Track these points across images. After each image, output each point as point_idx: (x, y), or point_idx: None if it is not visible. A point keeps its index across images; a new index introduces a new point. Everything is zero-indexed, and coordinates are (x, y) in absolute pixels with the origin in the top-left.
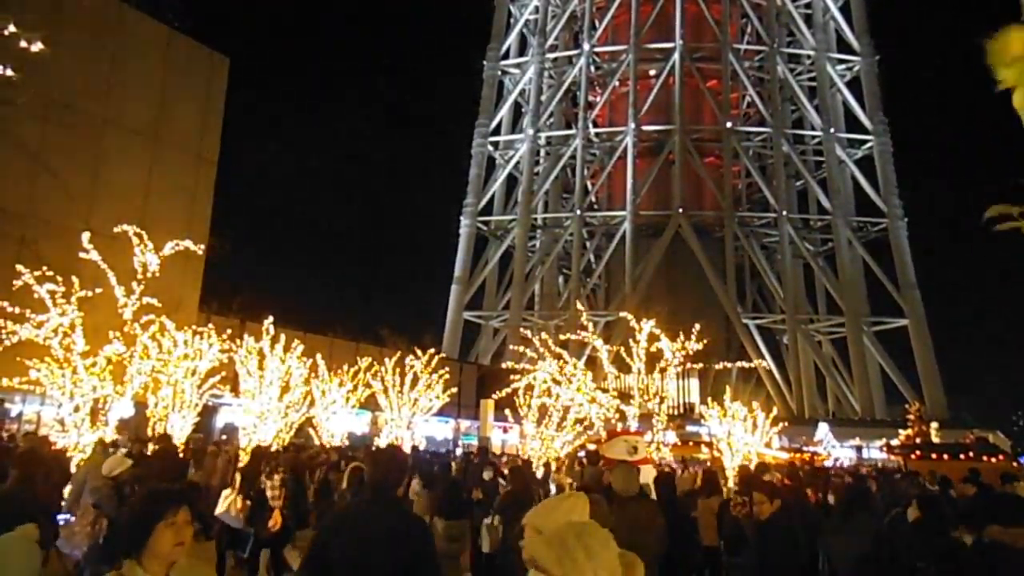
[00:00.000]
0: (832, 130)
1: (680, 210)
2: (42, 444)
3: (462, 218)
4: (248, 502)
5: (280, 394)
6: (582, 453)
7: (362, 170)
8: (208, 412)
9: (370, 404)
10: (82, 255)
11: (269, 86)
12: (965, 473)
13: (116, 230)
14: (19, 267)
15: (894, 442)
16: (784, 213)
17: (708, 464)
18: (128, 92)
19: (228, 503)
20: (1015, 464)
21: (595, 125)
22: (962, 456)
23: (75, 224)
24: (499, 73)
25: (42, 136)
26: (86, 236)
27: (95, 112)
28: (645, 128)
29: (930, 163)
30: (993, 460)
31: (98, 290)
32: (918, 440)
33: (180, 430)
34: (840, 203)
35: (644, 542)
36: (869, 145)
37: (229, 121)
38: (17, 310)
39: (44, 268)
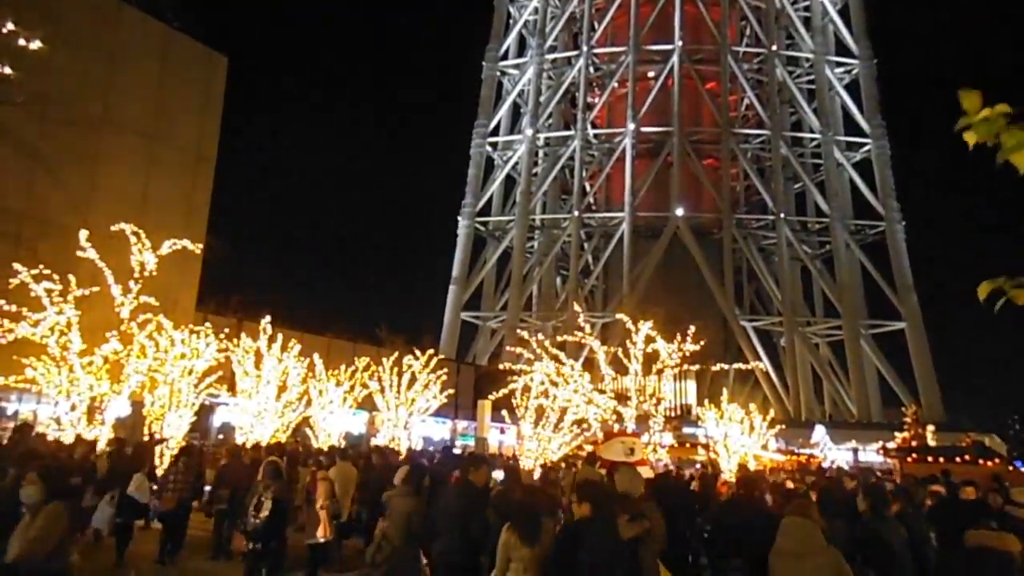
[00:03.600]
0: (831, 133)
1: (678, 212)
2: (39, 441)
3: (460, 218)
4: (152, 484)
5: (277, 394)
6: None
7: (360, 170)
8: (205, 411)
9: (367, 404)
10: (79, 254)
11: (267, 86)
12: (937, 474)
13: (113, 229)
14: (16, 266)
15: (890, 445)
16: (782, 215)
17: (705, 466)
18: (126, 91)
19: (137, 484)
20: (1011, 468)
21: (594, 126)
22: (958, 459)
23: (72, 223)
24: (498, 73)
25: (40, 134)
26: (84, 235)
27: (92, 111)
28: (644, 130)
29: (928, 167)
30: (989, 463)
31: (95, 289)
32: (914, 443)
33: (177, 429)
34: (838, 206)
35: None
36: (867, 148)
37: (228, 120)
38: (14, 308)
39: (41, 267)
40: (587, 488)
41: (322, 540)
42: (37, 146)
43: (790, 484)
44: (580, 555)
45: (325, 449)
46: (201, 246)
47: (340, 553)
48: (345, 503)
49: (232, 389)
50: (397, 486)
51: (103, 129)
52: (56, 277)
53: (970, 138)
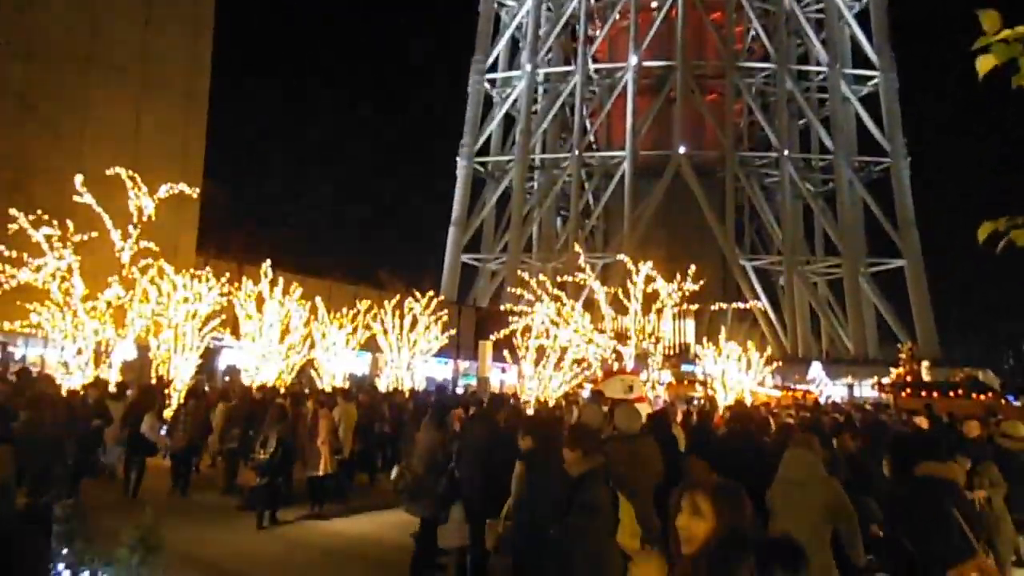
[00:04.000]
0: (838, 66)
1: (681, 150)
2: (45, 383)
3: (459, 159)
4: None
5: (280, 336)
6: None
7: (357, 110)
8: (210, 354)
9: (370, 346)
10: (76, 199)
11: (259, 22)
12: (921, 408)
13: (108, 173)
14: (13, 211)
15: (885, 380)
16: (786, 152)
17: (701, 401)
18: (111, 28)
19: (148, 424)
20: (1003, 402)
21: (595, 61)
22: (951, 394)
23: (66, 167)
24: (496, 6)
25: (26, 76)
26: (79, 179)
27: (78, 49)
28: (646, 64)
29: (936, 104)
30: (982, 397)
31: (93, 234)
32: (909, 378)
33: (184, 372)
34: (843, 142)
35: (645, 473)
36: (875, 81)
37: (219, 57)
38: (14, 254)
39: (39, 211)
40: (532, 422)
41: (322, 474)
42: (24, 88)
43: (789, 419)
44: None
45: (328, 390)
46: (198, 190)
47: (347, 486)
48: (347, 440)
49: (236, 332)
50: (424, 422)
51: (90, 69)
52: (54, 223)
53: (986, 62)
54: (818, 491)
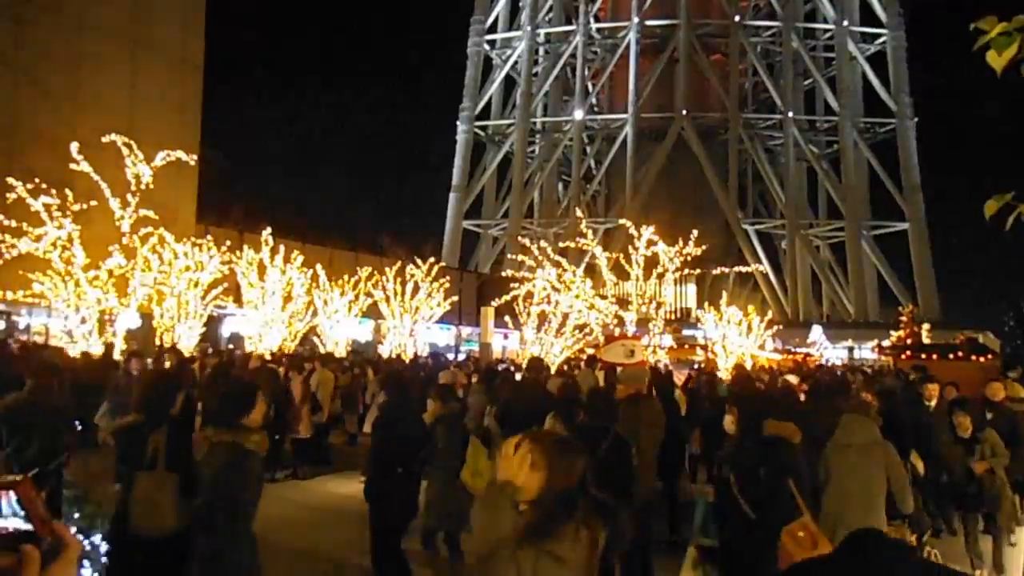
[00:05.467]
0: (845, 23)
1: (684, 112)
2: (53, 353)
3: (459, 123)
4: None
5: (283, 304)
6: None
7: (355, 73)
8: (213, 322)
9: (372, 312)
10: (73, 167)
11: None
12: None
13: (104, 140)
14: (11, 180)
15: (885, 343)
16: (790, 114)
17: (702, 365)
18: None
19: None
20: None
21: (596, 20)
22: (951, 356)
23: (62, 135)
24: None
25: (16, 40)
26: (75, 147)
27: (70, 13)
28: (649, 23)
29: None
30: (982, 359)
31: (93, 203)
32: (908, 341)
33: (187, 340)
34: (848, 102)
35: (648, 434)
36: (883, 40)
37: (214, 21)
38: (13, 224)
39: (37, 180)
40: (386, 376)
41: (302, 436)
42: (15, 53)
43: (792, 378)
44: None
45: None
46: (196, 157)
47: (322, 448)
48: (325, 405)
49: (238, 300)
50: (474, 384)
51: (82, 33)
52: (53, 191)
53: (994, 59)
54: (879, 454)
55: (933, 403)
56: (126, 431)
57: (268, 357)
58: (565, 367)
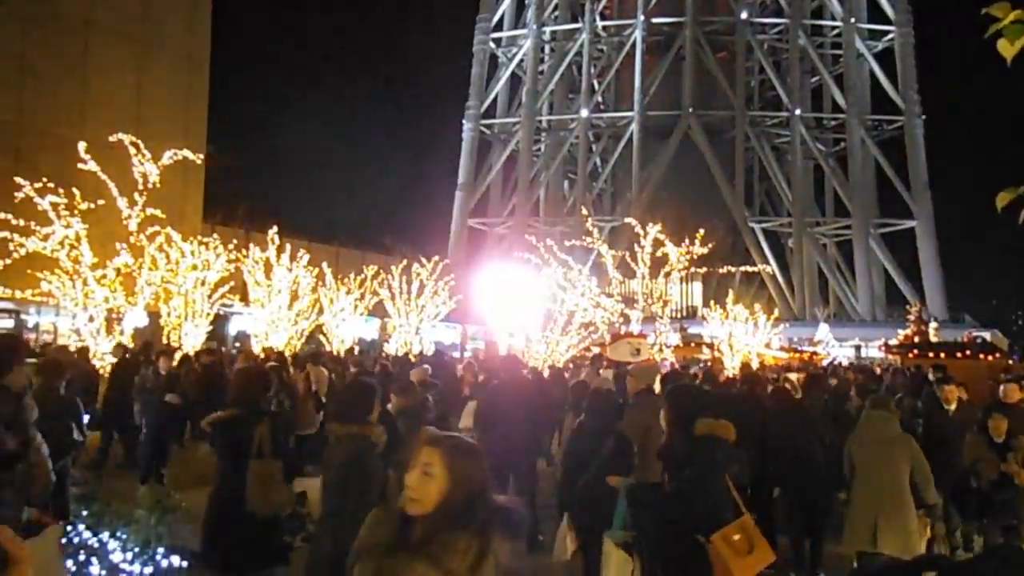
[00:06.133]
0: (853, 20)
1: (690, 110)
2: (61, 352)
3: (464, 121)
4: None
5: (289, 302)
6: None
7: (361, 71)
8: (220, 320)
9: (378, 311)
10: (80, 166)
11: None
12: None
13: (111, 139)
14: (18, 179)
15: (892, 342)
16: (797, 112)
17: (708, 364)
18: None
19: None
20: (1011, 362)
21: (602, 18)
22: (959, 354)
23: (69, 134)
24: None
25: (23, 40)
26: (82, 146)
27: (77, 12)
28: (655, 21)
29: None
30: (989, 358)
31: (100, 202)
32: (916, 339)
33: (194, 338)
34: (855, 100)
35: (658, 430)
36: (890, 37)
37: (220, 19)
38: (21, 223)
39: (44, 179)
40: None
41: (309, 432)
42: (23, 53)
43: (793, 376)
44: None
45: (342, 355)
46: (202, 156)
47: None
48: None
49: (245, 299)
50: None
51: (89, 33)
52: (60, 191)
53: (1005, 48)
54: (904, 447)
55: (952, 407)
56: (223, 423)
57: (262, 356)
58: (571, 364)
